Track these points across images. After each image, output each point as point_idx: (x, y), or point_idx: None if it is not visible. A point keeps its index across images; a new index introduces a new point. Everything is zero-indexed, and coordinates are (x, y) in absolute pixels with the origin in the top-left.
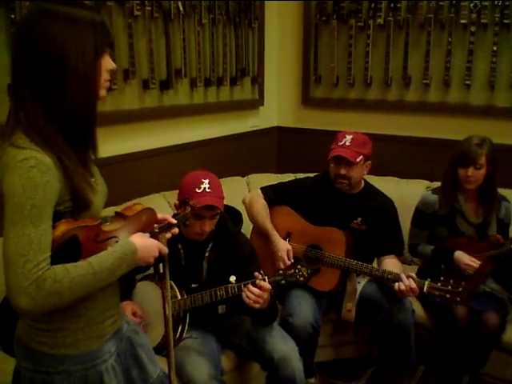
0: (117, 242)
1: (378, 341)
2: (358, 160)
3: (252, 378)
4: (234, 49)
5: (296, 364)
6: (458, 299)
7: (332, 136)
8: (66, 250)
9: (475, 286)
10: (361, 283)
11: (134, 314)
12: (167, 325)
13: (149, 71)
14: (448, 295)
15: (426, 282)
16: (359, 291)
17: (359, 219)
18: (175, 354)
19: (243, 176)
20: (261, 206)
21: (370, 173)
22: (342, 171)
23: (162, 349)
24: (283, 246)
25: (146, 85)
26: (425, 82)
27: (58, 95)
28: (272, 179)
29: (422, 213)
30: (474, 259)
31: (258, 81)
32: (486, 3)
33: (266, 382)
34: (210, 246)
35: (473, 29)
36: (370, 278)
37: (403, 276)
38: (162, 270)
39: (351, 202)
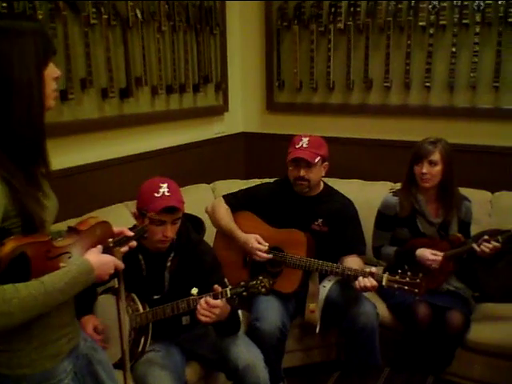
0: (70, 257)
1: (344, 345)
2: (316, 161)
3: None
4: (196, 55)
5: (261, 372)
6: (417, 291)
7: (293, 138)
8: (15, 268)
9: (437, 284)
10: (326, 287)
11: (96, 330)
12: (122, 340)
13: (107, 80)
14: (406, 287)
15: (385, 276)
16: (324, 295)
17: (320, 221)
18: (138, 368)
19: (209, 183)
20: (224, 210)
21: (334, 175)
22: (302, 173)
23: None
24: (250, 237)
25: (104, 94)
26: (386, 84)
27: (3, 111)
28: (238, 185)
29: (383, 215)
30: (435, 252)
31: (222, 87)
32: (445, 4)
33: None
34: (172, 255)
35: (431, 30)
36: (335, 282)
37: (362, 271)
38: (116, 285)
39: (311, 204)
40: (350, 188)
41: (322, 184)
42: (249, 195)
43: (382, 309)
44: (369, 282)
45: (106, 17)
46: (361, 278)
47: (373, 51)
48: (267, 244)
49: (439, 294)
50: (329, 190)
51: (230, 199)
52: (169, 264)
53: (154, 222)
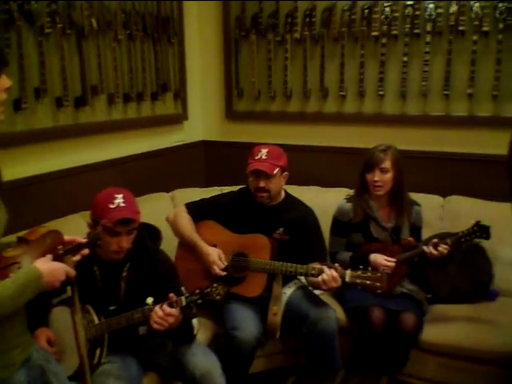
0: (19, 268)
1: (304, 350)
2: (275, 172)
3: None
4: (154, 64)
5: (218, 379)
6: (379, 284)
7: (252, 149)
8: None
9: (391, 287)
10: (287, 293)
11: (49, 342)
12: (80, 350)
13: (62, 88)
14: (368, 281)
15: (347, 272)
16: (285, 301)
17: (281, 229)
18: (94, 380)
19: (169, 192)
20: (186, 220)
21: (292, 182)
22: (261, 184)
23: (79, 376)
24: (213, 251)
25: (59, 102)
26: (341, 93)
27: None
28: (198, 193)
29: (338, 221)
30: (388, 258)
31: (181, 96)
32: (397, 14)
33: None
34: (128, 265)
35: (384, 40)
36: (296, 289)
37: (325, 268)
38: (70, 294)
39: (272, 213)
40: (307, 195)
41: (283, 193)
42: (211, 204)
43: (339, 313)
44: (332, 275)
45: (60, 26)
46: (326, 269)
47: (328, 61)
48: (226, 263)
49: (393, 297)
50: (290, 199)
51: (192, 208)
52: (124, 274)
53: (109, 232)
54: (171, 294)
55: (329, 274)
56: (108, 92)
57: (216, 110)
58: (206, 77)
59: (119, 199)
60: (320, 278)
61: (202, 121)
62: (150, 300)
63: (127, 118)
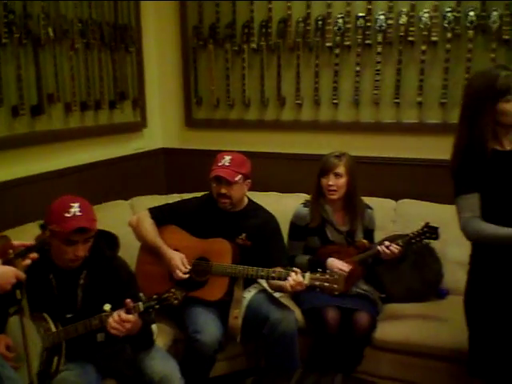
0: None
1: (264, 351)
2: (236, 179)
3: None
4: (112, 72)
5: (176, 383)
6: (336, 286)
7: (217, 155)
8: None
9: (347, 288)
10: (247, 297)
11: (8, 348)
12: (26, 350)
13: (18, 97)
14: (327, 284)
15: (307, 274)
16: (246, 305)
17: (243, 235)
18: None
19: (128, 199)
20: (149, 224)
21: (252, 189)
22: (223, 190)
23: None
24: (176, 256)
25: (15, 111)
26: (297, 102)
27: None
28: (157, 201)
29: (295, 226)
30: (344, 263)
31: (139, 104)
32: (349, 26)
33: None
34: (84, 272)
35: (337, 51)
36: (256, 292)
37: (292, 273)
38: (19, 297)
39: (235, 219)
40: (267, 200)
41: (246, 200)
42: (174, 209)
43: (297, 314)
44: (299, 277)
45: (17, 36)
46: (293, 274)
47: (284, 70)
48: (189, 267)
49: (348, 297)
50: (253, 206)
51: (155, 212)
52: (81, 282)
53: (65, 241)
54: (127, 300)
55: (295, 278)
56: (65, 100)
57: (175, 118)
58: (165, 85)
59: (75, 208)
60: (288, 284)
61: (162, 128)
62: (107, 307)
63: (84, 126)
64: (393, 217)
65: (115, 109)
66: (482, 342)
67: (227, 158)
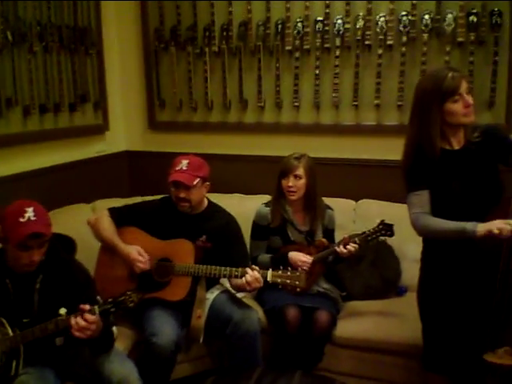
0: None
1: (227, 351)
2: (194, 183)
3: None
4: (72, 75)
5: None
6: (298, 283)
7: (174, 159)
8: None
9: (308, 286)
10: (210, 298)
11: None
12: None
13: None
14: (289, 280)
15: (269, 272)
16: (209, 305)
17: (204, 237)
18: None
19: (89, 203)
20: (107, 223)
21: (215, 191)
22: (182, 194)
23: None
24: (132, 249)
25: None
26: (259, 104)
27: None
28: (119, 203)
29: (257, 225)
30: (306, 255)
31: (101, 106)
32: (308, 29)
33: None
34: (40, 276)
35: (297, 54)
36: (220, 293)
37: (248, 269)
38: None
39: (195, 221)
40: (230, 202)
41: (206, 202)
42: (134, 210)
43: (260, 314)
44: (256, 274)
45: None
46: (249, 270)
47: (246, 73)
48: (147, 256)
49: (309, 295)
50: (213, 208)
51: (115, 213)
52: (37, 286)
53: (20, 247)
54: (81, 306)
55: (251, 274)
56: (23, 104)
57: (138, 121)
58: (128, 87)
59: (29, 213)
60: (244, 280)
61: (125, 131)
62: (62, 311)
63: (44, 130)
64: (352, 217)
65: (76, 111)
66: (434, 337)
67: (184, 162)
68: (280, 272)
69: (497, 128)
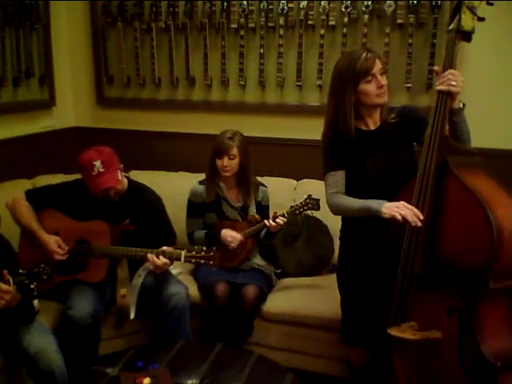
0: None
1: (156, 326)
2: (120, 178)
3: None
4: (16, 50)
5: (53, 357)
6: (212, 262)
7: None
8: None
9: (239, 262)
10: (141, 275)
11: None
12: None
13: None
14: (202, 260)
15: (182, 252)
16: (140, 283)
17: (127, 220)
18: None
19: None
20: (24, 207)
21: (162, 169)
22: (111, 193)
23: None
24: (51, 239)
25: None
26: (206, 82)
27: None
28: (60, 179)
29: (192, 203)
30: (235, 233)
31: (47, 81)
32: (253, 7)
33: (28, 377)
34: None
35: (242, 32)
36: (150, 270)
37: (160, 252)
38: None
39: (117, 206)
40: (176, 180)
41: (126, 182)
42: (53, 192)
43: (194, 290)
44: (159, 260)
45: None
46: (150, 258)
47: (193, 50)
48: (66, 248)
49: (241, 272)
50: (134, 188)
51: (31, 195)
52: None
53: None
54: (5, 271)
55: (155, 258)
56: None
57: (87, 97)
58: (76, 63)
59: None
60: (151, 266)
61: (73, 107)
62: None
63: None
64: (293, 196)
65: (19, 86)
66: (350, 311)
67: (97, 163)
68: (194, 252)
69: (413, 109)
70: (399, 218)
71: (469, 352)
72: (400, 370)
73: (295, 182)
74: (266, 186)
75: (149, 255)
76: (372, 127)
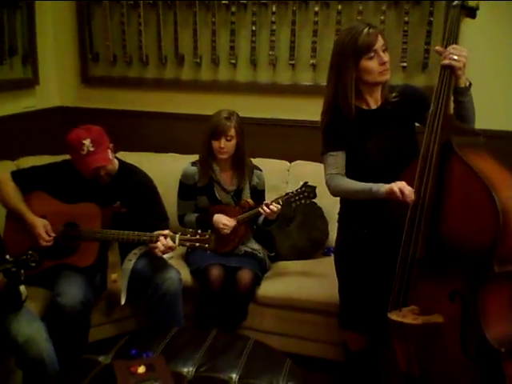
0: None
1: (148, 312)
2: (110, 157)
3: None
4: None
5: (43, 345)
6: (207, 245)
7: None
8: None
9: (232, 247)
10: (132, 260)
11: None
12: None
13: None
14: (197, 244)
15: (177, 236)
16: (131, 267)
17: (118, 203)
18: None
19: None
20: (11, 188)
21: (151, 150)
22: (102, 172)
23: None
24: (39, 223)
25: None
26: (195, 60)
27: None
28: (46, 161)
29: (184, 185)
30: (229, 219)
31: (30, 60)
32: None
33: (17, 367)
34: None
35: (234, 9)
36: (141, 255)
37: (161, 237)
38: None
39: (107, 188)
40: (165, 162)
41: (116, 163)
42: (40, 173)
43: (186, 275)
44: (169, 242)
45: None
46: (162, 239)
47: (182, 27)
48: (53, 234)
49: (235, 256)
50: (124, 169)
51: (18, 177)
52: None
53: None
54: None
55: (164, 243)
56: None
57: (72, 75)
58: (60, 41)
59: None
60: (156, 250)
61: (58, 86)
62: None
63: None
64: (286, 178)
65: (2, 65)
66: (348, 295)
67: (87, 142)
68: (188, 236)
69: (415, 88)
70: (396, 189)
71: (472, 337)
72: (401, 356)
73: (288, 163)
74: (261, 170)
75: (161, 237)
76: (373, 106)
